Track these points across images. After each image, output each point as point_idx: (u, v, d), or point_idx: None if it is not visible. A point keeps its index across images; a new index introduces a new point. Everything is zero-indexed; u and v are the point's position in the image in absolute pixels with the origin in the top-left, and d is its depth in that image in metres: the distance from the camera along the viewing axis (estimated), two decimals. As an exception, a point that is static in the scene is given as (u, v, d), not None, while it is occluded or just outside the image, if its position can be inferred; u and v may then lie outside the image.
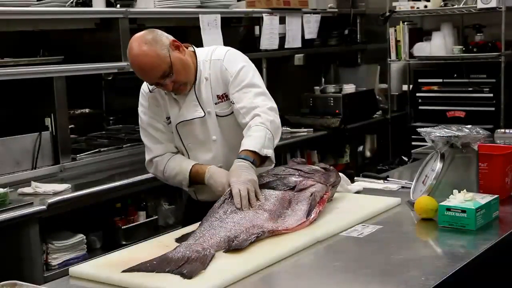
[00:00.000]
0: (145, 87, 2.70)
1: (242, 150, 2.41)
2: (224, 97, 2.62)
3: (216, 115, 2.63)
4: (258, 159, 2.40)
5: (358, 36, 6.47)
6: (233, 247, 2.05)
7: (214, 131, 2.64)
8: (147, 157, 2.72)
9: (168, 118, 2.67)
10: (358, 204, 2.57)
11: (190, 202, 2.86)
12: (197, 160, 2.65)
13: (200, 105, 2.62)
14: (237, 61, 2.63)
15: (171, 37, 2.55)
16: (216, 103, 2.63)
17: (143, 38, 2.47)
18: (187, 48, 2.66)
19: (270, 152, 2.44)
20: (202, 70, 2.62)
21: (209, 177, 2.53)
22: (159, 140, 2.69)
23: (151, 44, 2.45)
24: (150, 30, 2.55)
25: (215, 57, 2.64)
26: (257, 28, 5.33)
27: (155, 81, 2.51)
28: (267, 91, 2.64)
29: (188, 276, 1.86)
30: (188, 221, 2.51)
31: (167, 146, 2.70)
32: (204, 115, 2.62)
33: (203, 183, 2.56)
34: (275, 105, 2.61)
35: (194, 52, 2.67)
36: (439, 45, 5.65)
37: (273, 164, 2.54)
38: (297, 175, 2.45)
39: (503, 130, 3.85)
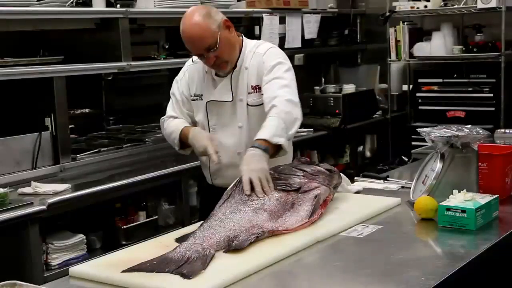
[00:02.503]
0: (188, 62, 2.92)
1: (255, 140, 2.50)
2: (257, 88, 2.74)
3: (247, 104, 2.75)
4: (271, 147, 2.48)
5: (358, 36, 6.47)
6: (233, 247, 2.05)
7: (242, 118, 2.77)
8: (162, 118, 2.96)
9: (197, 95, 2.84)
10: (358, 204, 2.57)
11: (206, 188, 2.97)
12: (219, 143, 2.74)
13: (232, 91, 2.76)
14: (275, 57, 2.76)
15: (224, 17, 2.71)
16: (249, 93, 2.75)
17: (199, 10, 2.67)
18: (238, 35, 2.81)
19: (282, 141, 2.51)
20: (244, 59, 2.77)
21: (192, 137, 2.74)
22: (174, 108, 2.90)
23: (204, 17, 2.63)
24: (206, 5, 2.74)
25: (259, 50, 2.78)
26: (257, 28, 5.33)
27: (200, 52, 2.66)
28: (294, 86, 2.73)
29: (188, 276, 1.86)
30: (204, 207, 2.67)
31: (178, 114, 2.90)
32: (232, 100, 2.76)
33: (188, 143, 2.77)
34: (297, 99, 2.68)
35: (242, 40, 2.82)
36: (439, 45, 5.65)
37: (287, 153, 2.63)
38: (301, 175, 2.45)
39: (503, 130, 3.84)
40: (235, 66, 2.77)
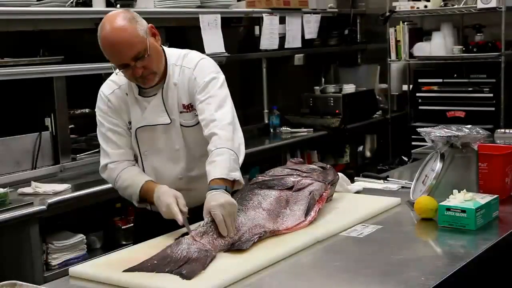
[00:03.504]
0: (104, 89, 2.52)
1: (211, 180, 2.24)
2: (189, 107, 2.47)
3: (180, 125, 2.47)
4: (229, 185, 2.24)
5: (358, 36, 6.47)
6: (236, 247, 2.05)
7: (178, 140, 2.48)
8: (102, 162, 2.53)
9: (129, 123, 2.51)
10: (358, 204, 2.57)
11: (141, 213, 2.64)
12: (153, 170, 2.51)
13: (166, 111, 2.46)
14: (207, 72, 2.47)
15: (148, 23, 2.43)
16: (180, 112, 2.47)
17: (122, 14, 2.34)
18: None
19: (238, 175, 2.28)
20: (171, 74, 2.46)
21: (157, 197, 2.34)
22: (118, 145, 2.51)
23: (131, 21, 2.32)
24: (127, 9, 2.47)
25: (187, 64, 2.48)
26: (257, 28, 5.34)
27: (125, 61, 2.31)
28: (230, 103, 2.47)
29: (187, 276, 1.86)
30: (140, 231, 2.46)
31: (126, 152, 2.52)
32: (170, 122, 2.46)
33: (152, 201, 2.40)
34: (235, 119, 2.46)
35: (164, 51, 2.49)
36: (439, 45, 5.65)
37: (242, 185, 2.35)
38: (295, 175, 2.46)
39: (503, 130, 3.85)
40: (162, 82, 2.45)
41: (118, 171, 2.50)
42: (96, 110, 2.55)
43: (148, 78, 2.39)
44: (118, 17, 2.31)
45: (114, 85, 2.51)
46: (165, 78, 2.45)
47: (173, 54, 2.50)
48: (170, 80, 2.46)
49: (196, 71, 2.46)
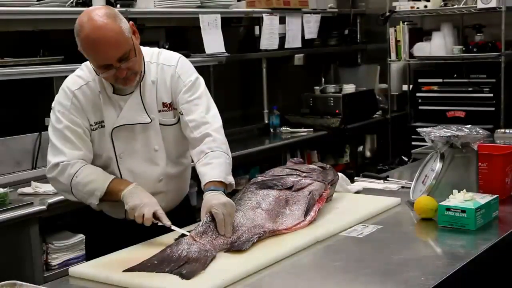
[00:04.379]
0: (69, 84, 2.34)
1: (208, 182, 2.22)
2: (170, 106, 2.39)
3: (160, 124, 2.38)
4: (225, 188, 2.24)
5: (358, 36, 6.47)
6: (235, 247, 2.05)
7: (157, 140, 2.38)
8: (54, 159, 2.30)
9: (98, 122, 2.34)
10: (358, 204, 2.57)
11: (116, 223, 2.43)
12: (131, 173, 2.36)
13: (145, 110, 2.35)
14: (191, 71, 2.42)
15: None
16: (160, 111, 2.37)
17: (105, 10, 2.19)
18: None
19: (232, 180, 2.28)
20: (147, 71, 2.36)
21: (138, 200, 2.20)
22: (76, 146, 2.31)
23: (115, 20, 2.18)
24: (107, 6, 2.31)
25: (165, 61, 2.39)
26: (257, 28, 5.34)
27: (109, 62, 2.19)
28: (214, 104, 2.45)
29: (187, 276, 1.86)
30: (115, 240, 2.26)
31: (85, 154, 2.33)
32: (151, 121, 2.35)
33: (116, 199, 2.26)
34: (221, 123, 2.42)
35: None
36: (439, 45, 5.65)
37: (233, 189, 2.33)
38: (295, 175, 2.46)
39: (503, 130, 3.85)
40: (139, 80, 2.34)
41: (78, 166, 2.29)
42: (54, 104, 2.35)
43: (130, 79, 2.28)
44: (100, 14, 2.16)
45: (81, 80, 2.34)
46: (142, 76, 2.35)
47: (146, 51, 2.41)
48: (147, 78, 2.36)
49: (179, 69, 2.39)
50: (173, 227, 2.18)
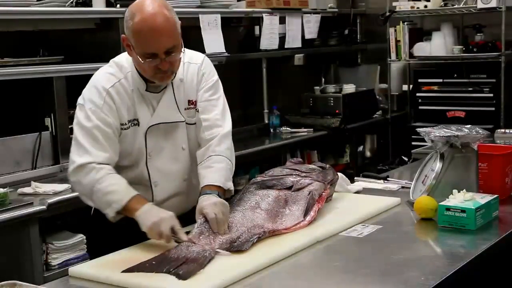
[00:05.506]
0: (103, 81, 2.29)
1: (205, 185, 2.24)
2: (194, 103, 2.40)
3: (186, 123, 2.39)
4: (222, 192, 2.25)
5: (358, 36, 6.47)
6: (235, 248, 2.05)
7: (184, 138, 2.38)
8: (80, 160, 2.22)
9: (131, 120, 2.31)
10: (358, 204, 2.57)
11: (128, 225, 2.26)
12: (159, 172, 2.35)
13: (178, 108, 2.36)
14: (213, 71, 2.45)
15: None
16: (185, 109, 2.38)
17: (162, 2, 2.20)
18: None
19: (231, 186, 2.30)
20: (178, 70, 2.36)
21: (142, 215, 2.14)
22: (104, 147, 2.24)
23: (170, 11, 2.20)
24: None
25: (191, 60, 2.41)
26: (257, 28, 5.34)
27: (158, 51, 2.17)
28: (229, 113, 2.47)
29: (184, 277, 1.86)
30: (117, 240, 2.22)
31: (111, 157, 2.27)
32: (184, 120, 2.36)
33: (131, 216, 2.17)
34: (231, 128, 2.44)
35: None
36: (439, 45, 5.65)
37: (231, 194, 2.35)
38: (295, 175, 2.46)
39: (503, 130, 3.85)
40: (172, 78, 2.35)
41: (105, 172, 2.21)
42: (85, 102, 2.28)
43: (167, 76, 2.28)
44: (158, 2, 2.17)
45: (114, 78, 2.30)
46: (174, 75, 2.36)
47: None
48: (177, 76, 2.37)
49: (204, 67, 2.42)
50: (190, 241, 2.08)
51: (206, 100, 2.39)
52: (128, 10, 2.21)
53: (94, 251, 2.33)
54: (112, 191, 2.20)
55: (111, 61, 2.38)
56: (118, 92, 2.28)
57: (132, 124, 2.31)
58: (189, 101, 2.39)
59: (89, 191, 2.23)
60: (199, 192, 2.27)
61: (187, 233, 2.13)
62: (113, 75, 2.31)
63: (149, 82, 2.32)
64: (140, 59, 2.21)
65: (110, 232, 2.34)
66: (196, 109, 2.40)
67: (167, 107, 2.34)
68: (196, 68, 2.40)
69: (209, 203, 2.15)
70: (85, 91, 2.32)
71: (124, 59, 2.35)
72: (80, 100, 2.31)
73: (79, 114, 2.29)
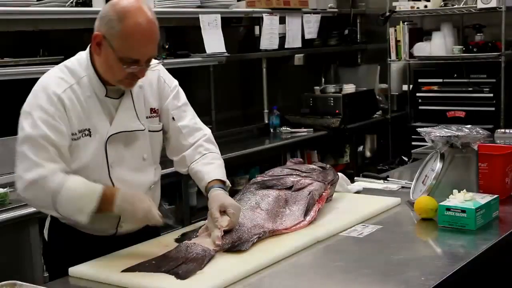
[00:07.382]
0: (53, 86, 2.09)
1: (214, 179, 2.24)
2: (156, 112, 2.28)
3: (149, 130, 2.25)
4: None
5: (358, 36, 6.48)
6: (235, 248, 2.05)
7: (145, 148, 2.24)
8: (29, 175, 2.05)
9: (82, 131, 2.10)
10: (358, 204, 2.57)
11: (103, 240, 2.21)
12: (123, 183, 2.16)
13: (137, 116, 2.21)
14: (170, 76, 2.35)
15: None
16: (147, 117, 2.24)
17: (149, 8, 2.08)
18: None
19: (228, 183, 2.31)
20: None
21: (122, 200, 2.04)
22: (53, 158, 2.04)
23: (156, 21, 2.09)
24: None
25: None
26: (257, 28, 5.34)
27: (142, 58, 2.05)
28: None
29: (182, 276, 1.86)
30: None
31: (63, 167, 2.07)
32: (144, 128, 2.22)
33: (109, 209, 2.05)
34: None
35: None
36: (439, 45, 5.65)
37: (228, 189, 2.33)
38: (295, 175, 2.46)
39: (503, 130, 3.85)
40: None
41: (60, 180, 2.02)
42: (31, 109, 2.09)
43: (135, 81, 2.14)
44: (149, 10, 2.06)
45: (65, 83, 2.11)
46: None
47: None
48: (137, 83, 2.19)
49: (163, 74, 2.32)
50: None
51: (177, 107, 2.32)
52: (113, 10, 2.06)
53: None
54: (79, 196, 2.04)
55: (61, 64, 2.22)
56: (70, 98, 2.09)
57: (83, 135, 2.11)
58: (151, 109, 2.26)
59: (51, 203, 2.04)
60: (207, 185, 2.24)
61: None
62: (64, 80, 2.12)
63: (108, 86, 2.15)
64: (117, 62, 2.05)
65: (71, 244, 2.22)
66: (170, 117, 2.31)
67: (126, 115, 2.17)
68: (155, 75, 2.27)
69: (235, 205, 2.14)
70: (31, 98, 2.12)
71: (76, 63, 2.20)
72: (25, 107, 2.12)
73: (24, 123, 2.11)
